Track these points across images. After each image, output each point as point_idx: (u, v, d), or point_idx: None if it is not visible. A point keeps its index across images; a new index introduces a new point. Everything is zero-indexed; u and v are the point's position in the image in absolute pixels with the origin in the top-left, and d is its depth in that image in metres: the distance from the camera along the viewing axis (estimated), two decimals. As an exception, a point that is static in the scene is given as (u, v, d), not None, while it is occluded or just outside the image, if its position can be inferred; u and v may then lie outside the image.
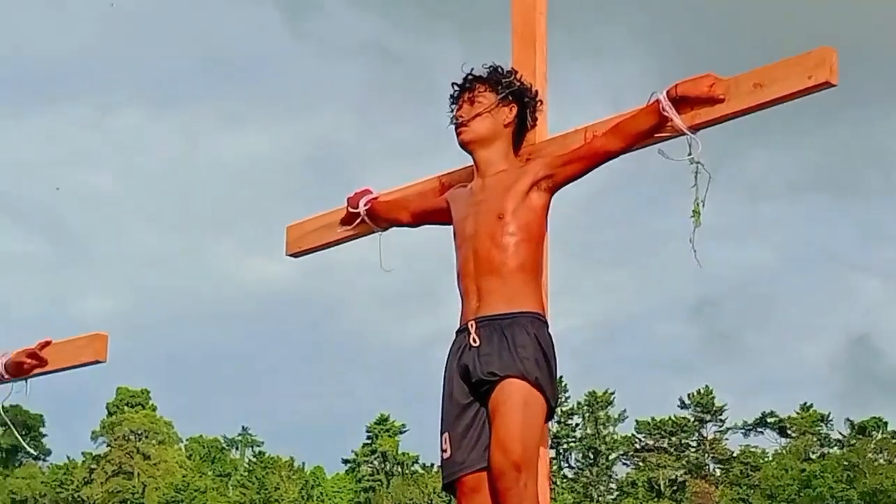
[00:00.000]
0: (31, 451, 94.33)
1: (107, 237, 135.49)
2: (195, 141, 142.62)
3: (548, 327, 5.03)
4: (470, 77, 5.31)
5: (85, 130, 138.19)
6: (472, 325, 5.00)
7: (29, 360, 6.31)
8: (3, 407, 6.76)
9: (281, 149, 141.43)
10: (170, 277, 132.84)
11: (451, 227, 5.25)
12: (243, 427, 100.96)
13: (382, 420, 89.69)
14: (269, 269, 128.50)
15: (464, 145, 5.30)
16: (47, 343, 6.31)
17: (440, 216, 5.40)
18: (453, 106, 5.34)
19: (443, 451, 4.96)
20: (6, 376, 6.40)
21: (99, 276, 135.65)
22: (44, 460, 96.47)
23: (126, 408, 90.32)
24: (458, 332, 5.09)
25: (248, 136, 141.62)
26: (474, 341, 4.97)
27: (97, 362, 6.33)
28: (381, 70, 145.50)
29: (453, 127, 5.31)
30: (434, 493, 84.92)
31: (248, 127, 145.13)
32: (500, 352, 4.90)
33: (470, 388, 4.96)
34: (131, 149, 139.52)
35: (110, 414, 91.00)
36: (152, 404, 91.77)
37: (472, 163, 5.34)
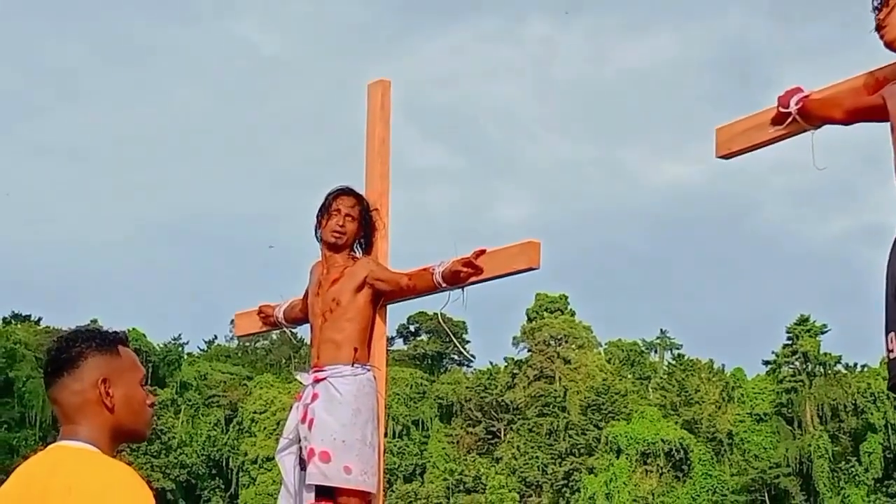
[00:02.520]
0: (467, 354, 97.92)
1: (520, 146, 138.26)
2: (603, 48, 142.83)
3: None
4: None
5: (496, 41, 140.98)
6: (914, 222, 4.82)
7: (465, 269, 6.52)
8: (439, 315, 7.05)
9: (689, 52, 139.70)
10: (584, 184, 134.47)
11: (888, 123, 5.06)
12: (661, 330, 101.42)
13: (803, 320, 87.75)
14: (681, 171, 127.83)
15: (889, 46, 5.18)
16: (482, 252, 6.50)
17: (876, 113, 5.21)
18: (874, 14, 5.22)
19: (889, 350, 4.81)
20: (443, 285, 6.64)
21: (514, 184, 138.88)
22: (468, 366, 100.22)
23: (545, 313, 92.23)
24: (901, 227, 4.92)
25: (656, 41, 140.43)
26: (917, 238, 4.80)
27: (531, 269, 6.45)
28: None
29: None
30: (857, 392, 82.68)
31: (655, 31, 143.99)
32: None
33: (914, 285, 4.79)
34: (542, 57, 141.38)
35: (530, 320, 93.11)
36: (571, 309, 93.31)
37: None
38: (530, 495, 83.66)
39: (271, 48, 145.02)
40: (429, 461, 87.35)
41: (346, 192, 6.93)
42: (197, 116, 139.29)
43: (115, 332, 3.57)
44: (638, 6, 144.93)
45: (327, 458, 6.44)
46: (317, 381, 6.63)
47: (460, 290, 6.63)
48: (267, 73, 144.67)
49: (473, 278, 6.55)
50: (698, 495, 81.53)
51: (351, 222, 6.83)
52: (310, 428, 6.54)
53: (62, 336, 3.53)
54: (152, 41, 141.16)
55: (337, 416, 6.50)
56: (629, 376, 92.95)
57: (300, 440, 6.65)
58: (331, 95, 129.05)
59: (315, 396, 6.60)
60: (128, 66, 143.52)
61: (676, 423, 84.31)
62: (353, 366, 6.60)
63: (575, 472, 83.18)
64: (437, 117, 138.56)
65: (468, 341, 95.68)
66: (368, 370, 6.67)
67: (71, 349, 3.46)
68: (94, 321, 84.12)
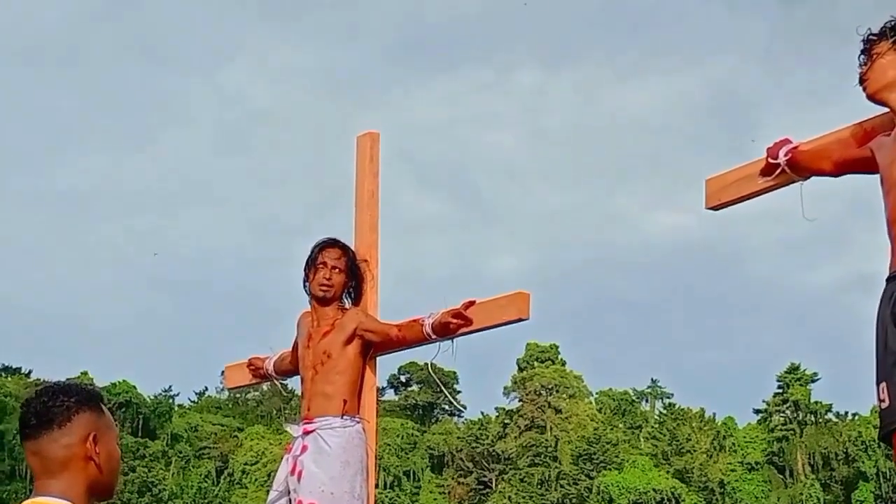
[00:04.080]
0: (458, 405, 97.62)
1: (511, 195, 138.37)
2: (594, 96, 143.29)
3: None
4: (869, 37, 5.26)
5: (486, 91, 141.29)
6: (903, 273, 4.82)
7: (455, 321, 6.52)
8: (429, 365, 7.04)
9: (681, 100, 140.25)
10: (575, 232, 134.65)
11: (877, 175, 5.09)
12: (652, 379, 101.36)
13: (793, 369, 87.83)
14: (673, 220, 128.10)
15: (871, 98, 5.22)
16: (471, 303, 6.50)
17: (865, 165, 5.24)
18: (859, 69, 5.30)
19: (880, 400, 4.80)
20: (433, 336, 6.63)
21: (505, 233, 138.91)
22: (459, 416, 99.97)
23: (536, 363, 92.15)
24: (889, 279, 4.91)
25: (647, 89, 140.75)
26: (906, 288, 4.79)
27: (520, 320, 6.45)
28: (784, 11, 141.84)
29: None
30: (849, 441, 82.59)
31: (647, 79, 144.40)
32: (935, 298, 4.71)
33: (905, 335, 4.78)
34: (531, 107, 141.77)
35: (521, 369, 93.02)
36: (561, 359, 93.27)
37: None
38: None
39: (263, 99, 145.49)
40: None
41: (332, 244, 6.94)
42: (188, 167, 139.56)
43: (97, 389, 3.59)
44: (628, 54, 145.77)
45: (316, 511, 6.43)
46: (306, 433, 6.63)
47: (450, 340, 6.63)
48: (258, 124, 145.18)
49: (463, 329, 6.55)
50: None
51: (338, 274, 6.84)
52: (299, 480, 6.54)
53: (48, 389, 3.51)
54: (144, 92, 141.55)
55: (325, 469, 6.49)
56: (620, 426, 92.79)
57: (290, 492, 6.64)
58: (322, 146, 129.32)
59: (304, 448, 6.59)
60: (120, 117, 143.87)
61: (668, 472, 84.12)
62: (342, 418, 6.59)
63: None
64: (429, 167, 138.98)
65: (459, 391, 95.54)
66: (358, 422, 6.66)
67: (62, 403, 3.45)
68: (84, 373, 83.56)
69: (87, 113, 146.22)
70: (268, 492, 6.92)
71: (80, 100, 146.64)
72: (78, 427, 3.43)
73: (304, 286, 6.96)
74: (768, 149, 5.66)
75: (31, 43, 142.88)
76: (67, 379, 3.68)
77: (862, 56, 5.26)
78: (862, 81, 5.22)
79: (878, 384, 4.83)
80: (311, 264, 6.90)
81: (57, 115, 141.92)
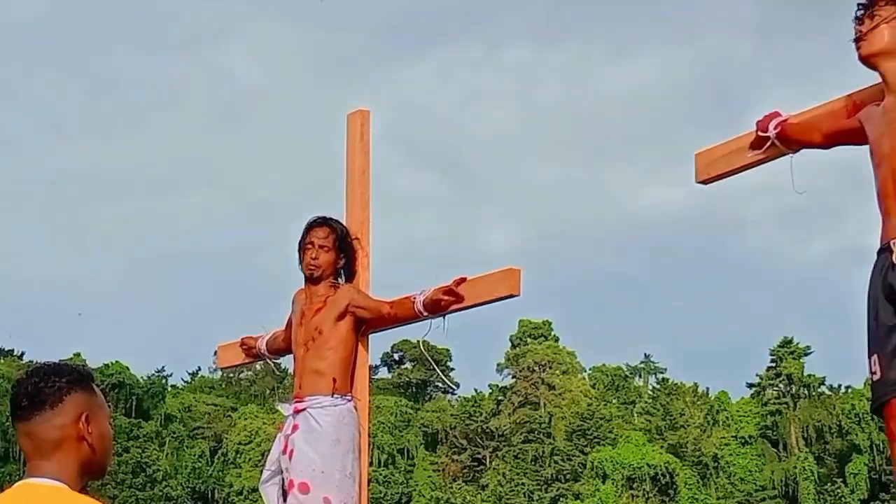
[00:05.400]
0: (450, 383, 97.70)
1: (504, 171, 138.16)
2: (587, 71, 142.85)
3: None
4: None
5: (477, 67, 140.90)
6: (894, 245, 4.81)
7: (446, 297, 6.51)
8: (421, 343, 7.03)
9: (672, 75, 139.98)
10: (568, 208, 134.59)
11: (867, 147, 5.05)
12: (645, 354, 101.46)
13: (786, 342, 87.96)
14: (665, 194, 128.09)
15: (863, 60, 5.12)
16: (462, 280, 6.49)
17: (854, 137, 5.20)
18: (855, 24, 5.17)
19: (872, 373, 4.80)
20: (424, 313, 6.63)
21: (498, 209, 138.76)
22: (453, 394, 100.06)
23: (529, 339, 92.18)
24: (880, 251, 4.90)
25: (639, 64, 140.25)
26: (897, 260, 4.78)
27: (511, 296, 6.44)
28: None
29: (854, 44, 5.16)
30: (842, 413, 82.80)
31: (638, 54, 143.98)
32: (925, 269, 4.70)
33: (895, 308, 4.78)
34: (524, 82, 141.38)
35: (514, 346, 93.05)
36: (554, 335, 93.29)
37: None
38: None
39: (252, 79, 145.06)
40: (415, 489, 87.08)
41: (319, 223, 6.93)
42: (178, 148, 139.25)
43: (87, 369, 3.56)
44: (619, 29, 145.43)
45: (306, 490, 6.44)
46: (297, 411, 6.63)
47: (442, 318, 6.62)
48: (248, 103, 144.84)
49: (455, 306, 6.54)
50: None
51: (326, 252, 6.82)
52: (290, 459, 6.54)
53: (39, 369, 3.48)
54: (132, 72, 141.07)
55: (316, 447, 6.49)
56: (614, 401, 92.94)
57: (282, 471, 6.63)
58: (313, 125, 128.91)
59: (295, 427, 6.59)
60: (108, 97, 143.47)
61: (662, 447, 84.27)
62: (332, 396, 6.58)
63: (561, 498, 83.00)
64: (421, 144, 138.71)
65: (452, 369, 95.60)
66: (349, 401, 6.66)
67: (53, 383, 3.42)
68: (77, 355, 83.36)
69: (78, 95, 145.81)
70: (261, 471, 6.92)
71: (71, 82, 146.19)
72: (70, 407, 3.41)
73: (299, 267, 6.97)
74: (758, 122, 5.63)
75: (19, 24, 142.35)
76: (60, 360, 3.63)
77: (860, 11, 5.15)
78: (858, 40, 5.13)
79: (870, 356, 4.82)
80: (301, 245, 6.91)
81: (48, 98, 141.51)
